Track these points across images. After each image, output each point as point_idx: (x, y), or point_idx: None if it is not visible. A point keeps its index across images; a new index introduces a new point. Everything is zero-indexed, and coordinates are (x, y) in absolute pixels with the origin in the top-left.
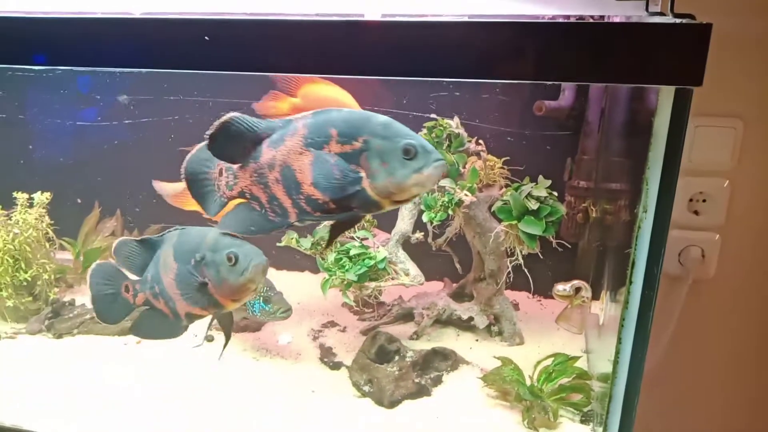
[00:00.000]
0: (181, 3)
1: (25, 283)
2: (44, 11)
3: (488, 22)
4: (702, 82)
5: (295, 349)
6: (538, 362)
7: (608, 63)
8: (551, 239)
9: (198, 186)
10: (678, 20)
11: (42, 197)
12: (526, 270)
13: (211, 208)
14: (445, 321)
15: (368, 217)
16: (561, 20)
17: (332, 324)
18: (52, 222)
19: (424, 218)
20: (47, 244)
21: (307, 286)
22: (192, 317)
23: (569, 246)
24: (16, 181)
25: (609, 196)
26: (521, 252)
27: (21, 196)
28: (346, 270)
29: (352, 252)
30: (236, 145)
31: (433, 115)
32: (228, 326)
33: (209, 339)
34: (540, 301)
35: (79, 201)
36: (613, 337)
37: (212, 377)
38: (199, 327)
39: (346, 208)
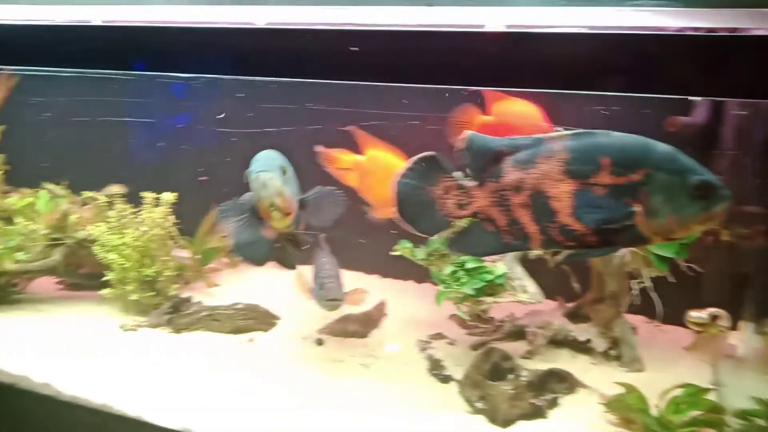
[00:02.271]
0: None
1: (148, 279)
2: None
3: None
4: None
5: (403, 359)
6: (666, 391)
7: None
8: (680, 262)
9: (411, 203)
10: None
11: (168, 197)
12: (653, 294)
13: (428, 226)
14: (559, 341)
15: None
16: (690, 32)
17: (440, 336)
18: (178, 221)
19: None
20: (170, 242)
21: (412, 296)
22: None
23: (698, 270)
24: (142, 181)
25: (747, 218)
26: (647, 274)
27: (148, 196)
28: (463, 283)
29: (469, 265)
30: (476, 162)
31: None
32: None
33: (319, 343)
34: (659, 326)
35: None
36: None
37: (320, 380)
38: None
39: (607, 242)
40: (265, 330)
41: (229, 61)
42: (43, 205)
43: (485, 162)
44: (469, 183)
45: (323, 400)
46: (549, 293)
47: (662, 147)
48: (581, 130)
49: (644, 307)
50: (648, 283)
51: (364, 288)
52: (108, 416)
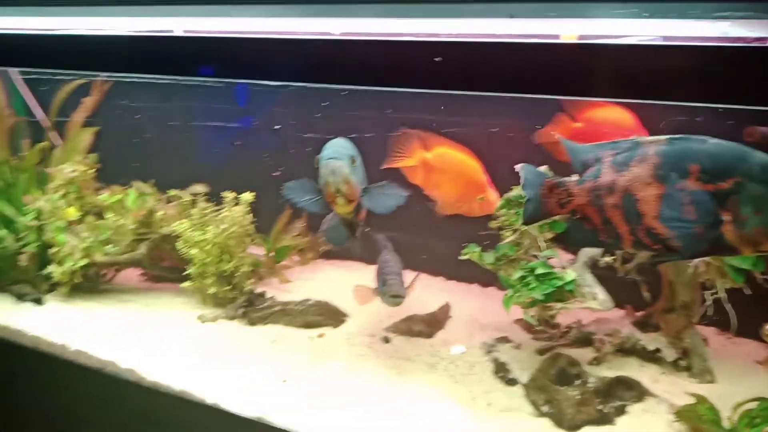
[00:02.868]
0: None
1: (226, 274)
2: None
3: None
4: None
5: (468, 361)
6: (739, 404)
7: None
8: (757, 275)
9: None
10: None
11: (247, 197)
12: (728, 306)
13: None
14: (627, 350)
15: (552, 235)
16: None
17: (506, 340)
18: (254, 220)
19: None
20: (247, 240)
21: (477, 299)
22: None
23: None
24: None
25: None
26: (721, 286)
27: (229, 195)
28: (532, 289)
29: (539, 271)
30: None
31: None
32: None
33: (386, 340)
34: (731, 338)
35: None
36: None
37: (388, 376)
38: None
39: (691, 249)
40: (335, 326)
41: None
42: (131, 201)
43: (584, 165)
44: (569, 182)
45: (390, 397)
46: (619, 301)
47: (758, 157)
48: (678, 136)
49: (716, 319)
50: (722, 295)
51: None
52: (187, 403)
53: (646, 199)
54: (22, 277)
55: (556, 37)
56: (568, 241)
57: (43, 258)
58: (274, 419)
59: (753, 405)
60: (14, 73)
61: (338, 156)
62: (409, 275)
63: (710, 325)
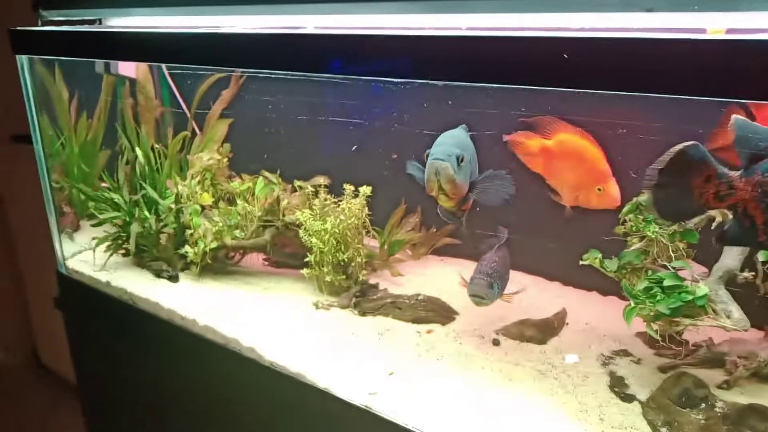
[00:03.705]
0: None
1: (342, 263)
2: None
3: None
4: None
5: (582, 371)
6: None
7: None
8: None
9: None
10: None
11: (365, 190)
12: None
13: (673, 212)
14: (764, 375)
15: (684, 245)
16: None
17: (625, 353)
18: (370, 213)
19: (761, 257)
20: (363, 232)
21: (595, 307)
22: None
23: None
24: (343, 175)
25: None
26: None
27: (348, 188)
28: (658, 301)
29: (667, 282)
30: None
31: None
32: None
33: (496, 343)
34: None
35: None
36: None
37: (495, 380)
38: None
39: None
40: (444, 323)
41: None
42: (259, 190)
43: (753, 152)
44: (732, 173)
45: (496, 400)
46: (757, 322)
47: None
48: None
49: None
50: None
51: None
52: (300, 384)
53: None
54: (161, 256)
55: (702, 31)
56: (724, 237)
57: (180, 239)
58: (379, 409)
59: None
60: (163, 68)
61: (444, 157)
62: (522, 277)
63: None
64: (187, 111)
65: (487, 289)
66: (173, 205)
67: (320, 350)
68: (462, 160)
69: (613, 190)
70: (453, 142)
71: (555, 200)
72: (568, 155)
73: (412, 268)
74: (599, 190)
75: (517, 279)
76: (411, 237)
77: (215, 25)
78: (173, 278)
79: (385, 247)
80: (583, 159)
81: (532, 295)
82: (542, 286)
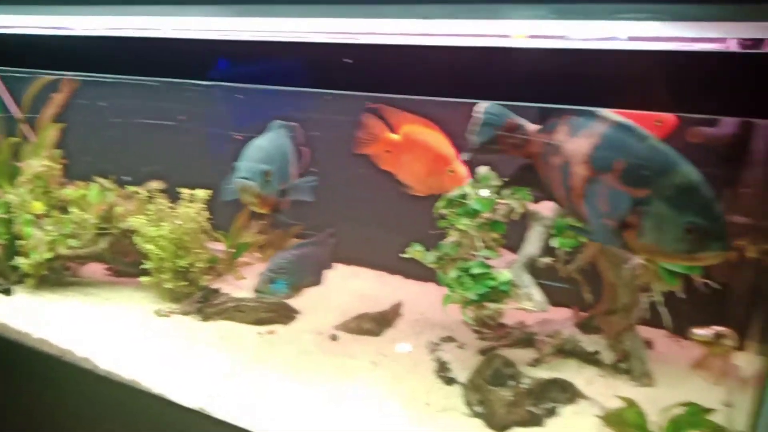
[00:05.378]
0: None
1: (182, 269)
2: None
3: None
4: None
5: (412, 359)
6: (666, 409)
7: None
8: (697, 278)
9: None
10: None
11: (202, 194)
12: (662, 309)
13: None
14: (568, 351)
15: (495, 235)
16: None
17: (451, 339)
18: (210, 217)
19: (555, 243)
20: (203, 236)
21: (429, 298)
22: None
23: (719, 287)
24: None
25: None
26: (657, 288)
27: (185, 192)
28: (467, 288)
29: (474, 271)
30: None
31: None
32: None
33: (333, 338)
34: (680, 341)
35: None
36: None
37: (330, 374)
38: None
39: (602, 239)
40: (285, 323)
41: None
42: (93, 196)
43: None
44: (530, 127)
45: (329, 394)
46: (567, 303)
47: (678, 177)
48: (627, 122)
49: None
50: (658, 297)
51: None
52: (136, 391)
53: (576, 176)
54: None
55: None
56: (515, 181)
57: (12, 250)
58: (214, 411)
59: (680, 410)
60: None
61: (249, 175)
62: (365, 272)
63: (660, 327)
64: (19, 115)
65: (268, 284)
66: (2, 215)
67: (159, 357)
68: (269, 175)
69: (461, 168)
70: (259, 155)
71: (409, 193)
72: (414, 146)
73: (260, 269)
74: (450, 171)
75: (361, 274)
76: (257, 239)
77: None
78: (6, 291)
79: (232, 250)
80: (430, 147)
81: (373, 289)
82: (384, 280)
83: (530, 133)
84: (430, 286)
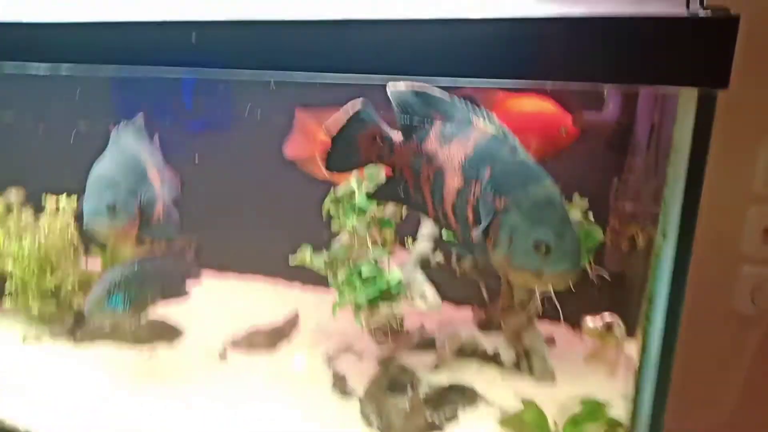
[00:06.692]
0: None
1: (50, 290)
2: None
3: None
4: (728, 83)
5: (307, 374)
6: (564, 407)
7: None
8: (589, 268)
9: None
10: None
11: (69, 203)
12: (556, 301)
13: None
14: (469, 353)
15: (387, 235)
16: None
17: (348, 349)
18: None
19: (445, 237)
20: (72, 252)
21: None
22: None
23: (609, 277)
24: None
25: (652, 220)
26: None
27: (50, 200)
28: (357, 292)
29: (364, 273)
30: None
31: None
32: None
33: (222, 356)
34: (581, 334)
35: None
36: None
37: (219, 395)
38: None
39: (469, 252)
40: (169, 342)
41: None
42: None
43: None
44: (396, 137)
45: (219, 417)
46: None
47: (536, 190)
48: (505, 131)
49: (567, 315)
50: (549, 290)
51: None
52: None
53: (449, 186)
54: None
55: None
56: (380, 195)
57: None
58: None
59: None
60: None
61: (92, 217)
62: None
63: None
64: None
65: (104, 302)
66: None
67: (25, 388)
68: (115, 208)
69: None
70: (99, 186)
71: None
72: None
73: None
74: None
75: (254, 284)
76: (138, 253)
77: None
78: None
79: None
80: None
81: (267, 299)
82: (279, 290)
83: (397, 144)
84: (331, 294)
